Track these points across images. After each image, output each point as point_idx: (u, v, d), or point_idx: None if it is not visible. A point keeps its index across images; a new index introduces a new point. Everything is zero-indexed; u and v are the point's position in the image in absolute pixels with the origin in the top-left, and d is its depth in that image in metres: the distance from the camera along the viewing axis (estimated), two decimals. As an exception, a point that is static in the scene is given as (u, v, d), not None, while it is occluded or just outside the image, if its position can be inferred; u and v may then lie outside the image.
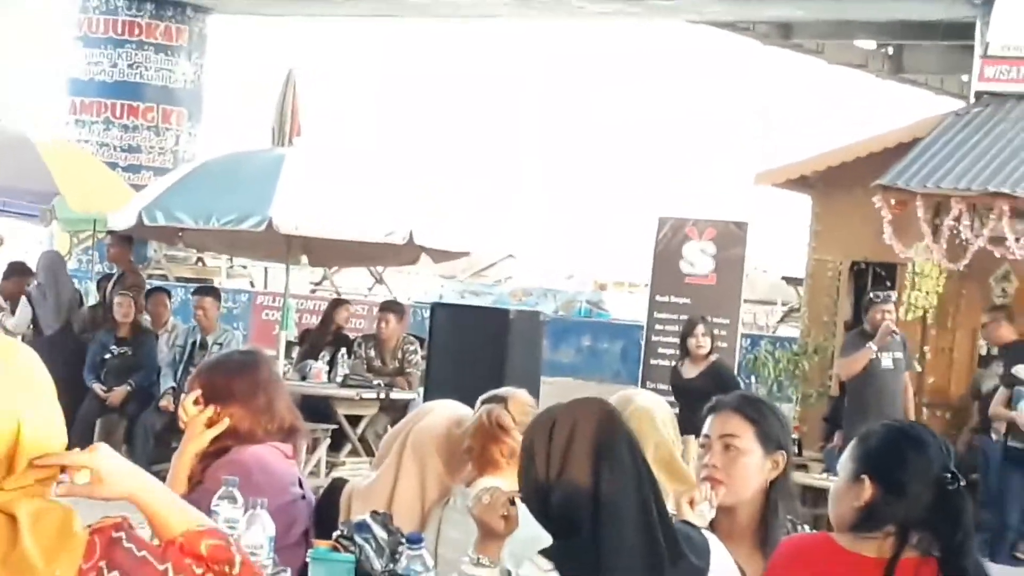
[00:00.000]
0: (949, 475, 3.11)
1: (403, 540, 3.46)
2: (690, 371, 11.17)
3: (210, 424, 4.02)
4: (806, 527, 3.78)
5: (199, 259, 21.85)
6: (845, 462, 3.27)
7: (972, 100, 13.93)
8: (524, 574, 2.93)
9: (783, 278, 20.54)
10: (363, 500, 4.08)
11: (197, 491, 3.92)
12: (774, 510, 3.67)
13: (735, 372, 11.52)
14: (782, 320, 20.52)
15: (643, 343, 14.63)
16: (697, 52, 32.38)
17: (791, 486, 3.78)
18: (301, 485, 4.14)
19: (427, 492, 4.16)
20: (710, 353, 11.16)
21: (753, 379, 14.17)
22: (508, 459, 4.02)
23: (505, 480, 3.89)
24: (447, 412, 4.31)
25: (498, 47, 36.40)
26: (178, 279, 20.46)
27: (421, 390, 11.71)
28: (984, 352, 13.34)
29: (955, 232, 12.08)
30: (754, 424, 3.68)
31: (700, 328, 11.21)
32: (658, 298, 14.55)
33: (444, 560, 3.86)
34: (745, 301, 15.31)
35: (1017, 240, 11.94)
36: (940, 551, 3.09)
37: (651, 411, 4.42)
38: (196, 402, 4.05)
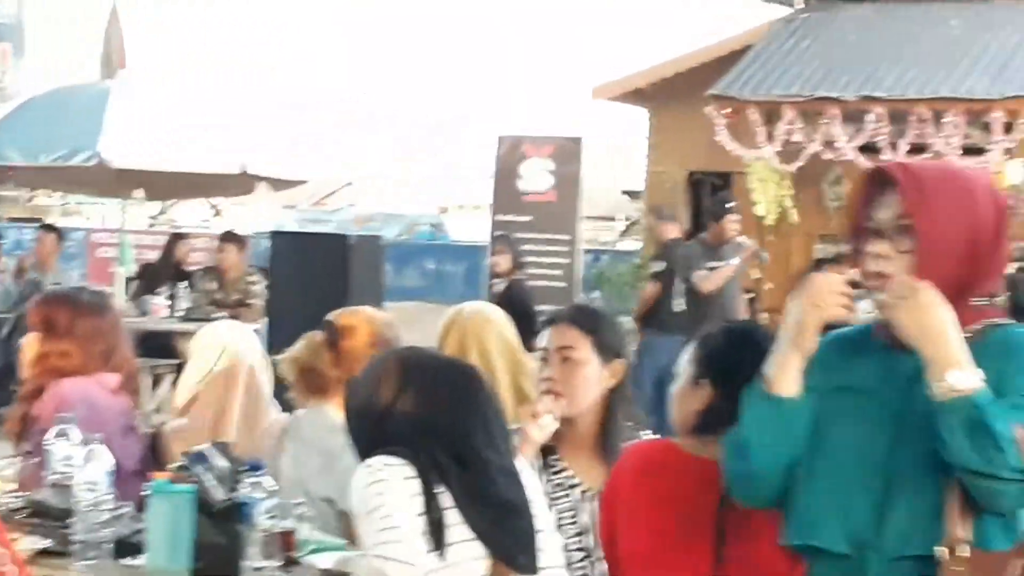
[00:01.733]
0: None
1: (243, 467, 3.42)
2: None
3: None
4: (648, 432, 3.80)
5: (31, 198, 21.36)
6: (685, 365, 3.29)
7: (801, 5, 14.08)
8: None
9: (624, 192, 20.67)
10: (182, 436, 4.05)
11: (34, 431, 3.84)
12: (614, 418, 3.69)
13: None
14: (624, 234, 20.70)
15: (487, 263, 14.64)
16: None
17: (629, 393, 3.80)
18: (133, 420, 4.07)
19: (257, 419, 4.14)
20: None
21: (597, 293, 14.28)
22: (336, 383, 3.99)
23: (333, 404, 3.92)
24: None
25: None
26: (10, 219, 19.98)
27: (265, 320, 11.60)
28: (820, 256, 13.58)
29: (789, 137, 12.26)
30: (591, 334, 3.69)
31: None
32: (499, 218, 14.55)
33: (288, 481, 3.84)
34: (588, 217, 15.40)
35: (849, 142, 12.16)
36: None
37: (483, 311, 4.44)
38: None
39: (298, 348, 4.12)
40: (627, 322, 13.82)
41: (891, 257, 2.65)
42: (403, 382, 2.96)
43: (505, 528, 2.91)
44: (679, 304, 11.07)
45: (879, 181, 2.68)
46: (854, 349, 2.74)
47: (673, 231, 11.06)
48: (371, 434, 2.95)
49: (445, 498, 2.84)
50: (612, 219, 22.76)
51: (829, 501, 2.65)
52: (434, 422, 2.92)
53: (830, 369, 2.70)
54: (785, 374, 2.68)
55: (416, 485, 2.82)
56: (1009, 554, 2.59)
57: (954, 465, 2.55)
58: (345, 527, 3.70)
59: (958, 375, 2.55)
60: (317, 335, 4.08)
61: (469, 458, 2.91)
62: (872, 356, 2.71)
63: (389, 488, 2.80)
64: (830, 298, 2.66)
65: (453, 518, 2.84)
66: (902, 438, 2.64)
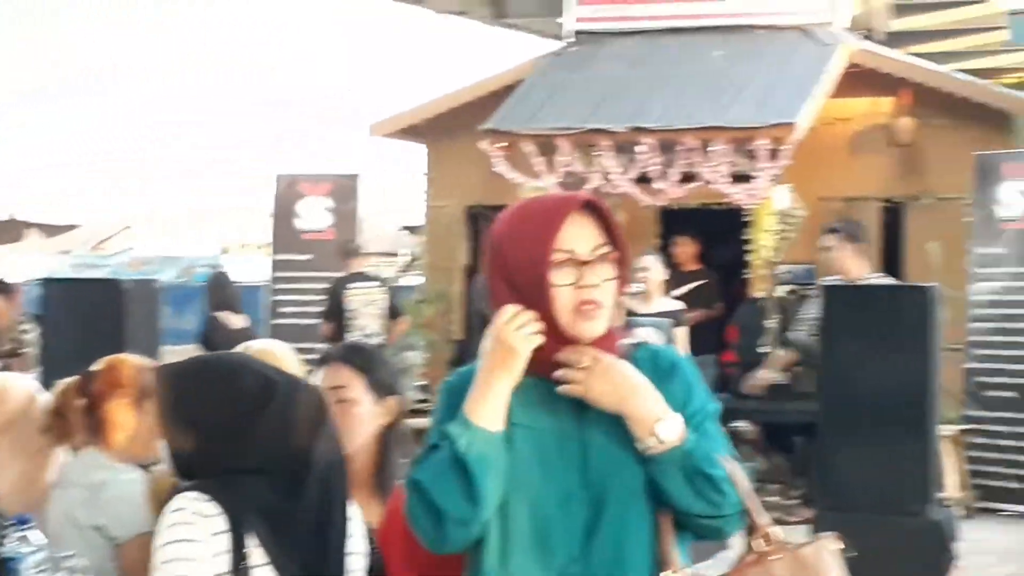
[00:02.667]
0: None
1: (8, 522, 3.35)
2: None
3: None
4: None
5: None
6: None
7: (572, 39, 14.30)
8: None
9: (404, 227, 20.72)
10: None
11: None
12: (389, 456, 3.72)
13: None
14: (405, 270, 20.73)
15: (268, 303, 14.53)
16: (302, 7, 32.21)
17: (405, 430, 3.82)
18: None
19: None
20: None
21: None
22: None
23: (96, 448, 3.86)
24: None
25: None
26: None
27: (39, 369, 11.31)
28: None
29: (569, 169, 12.43)
30: (363, 373, 3.71)
31: None
32: (279, 257, 14.47)
33: (55, 519, 3.75)
34: (370, 253, 15.38)
35: (622, 173, 12.38)
36: None
37: (269, 348, 4.42)
38: None
39: (49, 394, 4.05)
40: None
41: (601, 287, 2.71)
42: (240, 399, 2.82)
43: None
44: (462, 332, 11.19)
45: (565, 213, 2.71)
46: (532, 385, 2.74)
47: None
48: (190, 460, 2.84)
49: (256, 553, 2.71)
50: (394, 255, 22.79)
51: (529, 539, 2.66)
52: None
53: (514, 406, 2.71)
54: (485, 409, 2.66)
55: (224, 541, 2.70)
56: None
57: (680, 511, 2.65)
58: (122, 560, 3.65)
59: (664, 428, 2.66)
60: (68, 381, 4.02)
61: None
62: (551, 392, 2.73)
63: (190, 545, 2.68)
64: (513, 334, 2.67)
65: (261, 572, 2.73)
66: (593, 470, 2.69)
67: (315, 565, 2.79)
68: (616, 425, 2.68)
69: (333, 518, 2.85)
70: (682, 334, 10.41)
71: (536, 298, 2.66)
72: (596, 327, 2.69)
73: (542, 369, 2.69)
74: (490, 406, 2.64)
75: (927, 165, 13.14)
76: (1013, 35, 12.94)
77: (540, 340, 2.67)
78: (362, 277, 12.55)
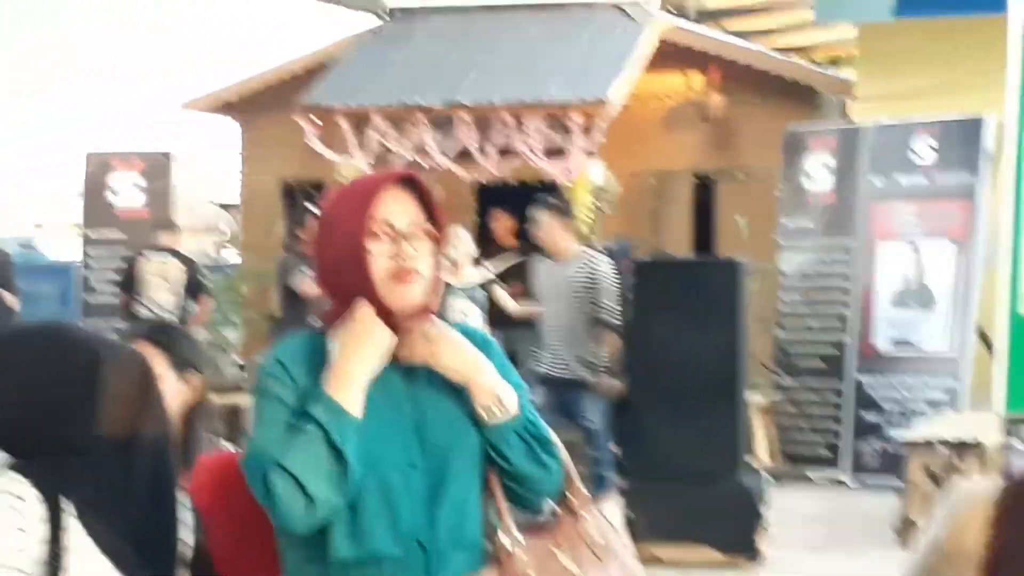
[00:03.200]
0: None
1: None
2: None
3: None
4: (228, 444, 3.84)
5: None
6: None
7: (387, 17, 14.28)
8: None
9: (220, 205, 20.49)
10: None
11: None
12: (194, 433, 3.71)
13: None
14: (222, 247, 20.49)
15: (80, 281, 14.28)
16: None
17: (209, 406, 3.81)
18: None
19: None
20: None
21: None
22: None
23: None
24: None
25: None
26: None
27: None
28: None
29: (382, 144, 12.42)
30: (165, 350, 3.69)
31: None
32: (92, 235, 14.22)
33: None
34: (185, 230, 15.19)
35: (439, 149, 12.40)
36: None
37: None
38: None
39: None
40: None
41: (417, 257, 2.77)
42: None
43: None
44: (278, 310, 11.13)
45: (382, 187, 2.79)
46: None
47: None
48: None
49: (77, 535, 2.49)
50: (213, 232, 22.51)
51: (377, 509, 2.72)
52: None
53: None
54: (351, 397, 2.70)
55: (41, 524, 2.46)
56: (549, 536, 2.79)
57: (516, 476, 2.74)
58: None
59: (506, 397, 2.76)
60: None
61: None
62: (385, 369, 2.79)
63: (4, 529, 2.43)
64: (378, 324, 2.74)
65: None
66: (431, 439, 2.76)
67: (146, 544, 2.69)
68: (446, 396, 2.76)
69: (164, 494, 2.70)
70: (500, 298, 10.67)
71: (353, 268, 2.71)
72: (411, 293, 2.75)
73: None
74: (355, 394, 2.68)
75: (738, 140, 13.41)
76: (817, 13, 13.25)
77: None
78: (162, 251, 12.22)
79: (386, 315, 2.74)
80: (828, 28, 16.34)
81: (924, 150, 11.12)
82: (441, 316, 2.86)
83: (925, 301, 10.99)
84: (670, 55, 13.17)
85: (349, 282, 2.74)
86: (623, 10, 13.36)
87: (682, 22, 13.83)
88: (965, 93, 11.36)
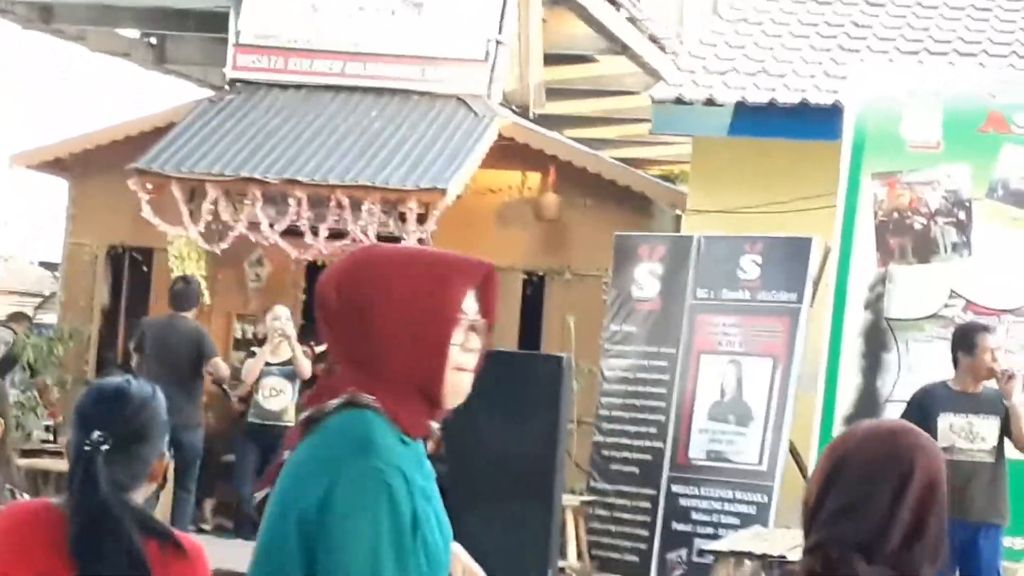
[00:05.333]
0: None
1: None
2: None
3: None
4: (26, 495, 3.73)
5: None
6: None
7: (227, 87, 14.16)
8: None
9: (41, 263, 20.06)
10: None
11: None
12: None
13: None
14: (40, 306, 20.03)
15: None
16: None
17: (8, 454, 3.68)
18: None
19: None
20: None
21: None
22: None
23: None
24: None
25: None
26: None
27: None
28: (239, 336, 13.68)
29: (215, 215, 12.28)
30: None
31: None
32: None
33: None
34: (9, 292, 14.88)
35: (271, 226, 12.29)
36: None
37: None
38: None
39: None
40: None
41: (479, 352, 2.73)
42: None
43: None
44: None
45: (471, 278, 2.72)
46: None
47: None
48: None
49: None
50: (35, 294, 22.01)
51: None
52: None
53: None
54: None
55: None
56: None
57: None
58: None
59: None
60: None
61: None
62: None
63: None
64: None
65: None
66: None
67: None
68: None
69: None
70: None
71: (430, 354, 2.68)
72: (468, 387, 2.76)
73: None
74: None
75: (570, 241, 13.52)
76: (654, 126, 13.48)
77: None
78: None
79: (434, 407, 2.68)
80: (665, 142, 16.67)
81: (750, 266, 11.30)
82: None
83: (741, 415, 11.11)
84: (509, 152, 13.26)
85: (411, 364, 2.63)
86: (466, 103, 13.44)
87: (523, 121, 13.96)
88: (793, 213, 11.60)
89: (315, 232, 12.17)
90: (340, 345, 2.67)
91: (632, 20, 15.79)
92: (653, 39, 16.33)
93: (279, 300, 12.49)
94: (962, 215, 10.29)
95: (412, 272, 2.69)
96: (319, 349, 11.40)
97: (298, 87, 13.84)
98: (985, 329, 8.89)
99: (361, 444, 2.52)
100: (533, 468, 8.38)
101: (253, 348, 12.19)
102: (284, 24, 13.92)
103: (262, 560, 2.55)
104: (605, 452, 11.61)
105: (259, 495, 2.65)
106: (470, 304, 2.69)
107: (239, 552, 3.40)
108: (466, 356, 2.69)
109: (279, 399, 11.44)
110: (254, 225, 12.29)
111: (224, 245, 12.44)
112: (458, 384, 2.69)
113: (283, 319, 11.59)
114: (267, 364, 11.53)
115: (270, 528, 2.55)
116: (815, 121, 11.75)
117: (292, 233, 12.31)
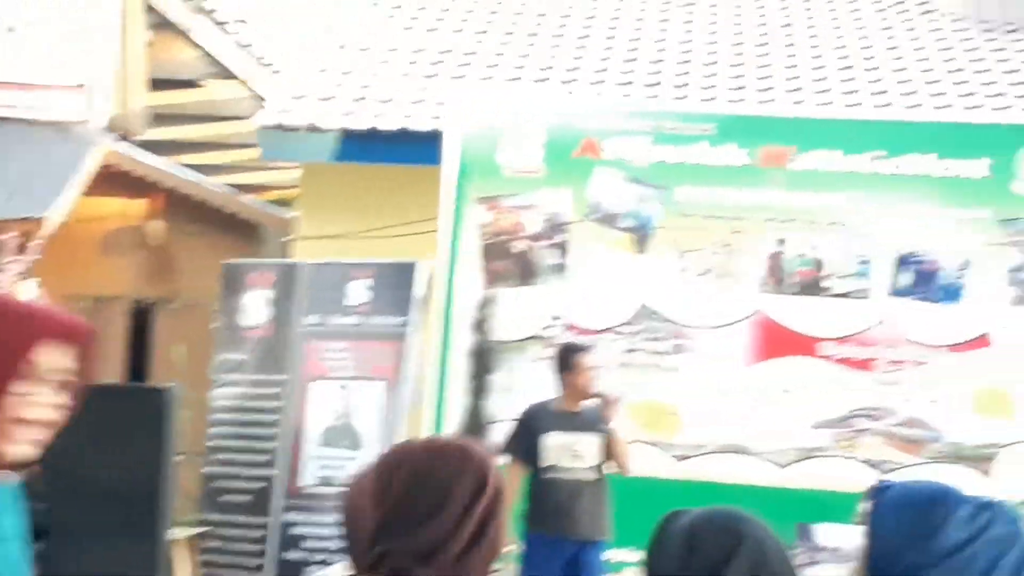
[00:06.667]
0: None
1: None
2: None
3: None
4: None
5: None
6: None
7: None
8: None
9: None
10: None
11: None
12: None
13: None
14: None
15: None
16: None
17: None
18: None
19: None
20: None
21: None
22: None
23: None
24: None
25: None
26: None
27: None
28: None
29: None
30: None
31: None
32: None
33: None
34: None
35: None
36: None
37: None
38: None
39: None
40: None
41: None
42: None
43: None
44: None
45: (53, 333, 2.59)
46: None
47: None
48: None
49: None
50: None
51: None
52: None
53: None
54: None
55: None
56: None
57: None
58: None
59: None
60: None
61: None
62: None
63: None
64: None
65: None
66: None
67: None
68: None
69: None
70: None
71: None
72: None
73: None
74: None
75: (178, 269, 13.31)
76: (263, 152, 13.41)
77: None
78: None
79: None
80: (279, 168, 16.60)
81: (359, 291, 11.37)
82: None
83: (353, 439, 11.16)
84: (113, 178, 12.95)
85: None
86: (66, 129, 13.05)
87: (126, 147, 13.65)
88: (403, 238, 11.76)
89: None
90: None
91: (241, 45, 15.69)
92: (263, 64, 16.27)
93: None
94: (561, 238, 10.63)
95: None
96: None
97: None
98: (583, 349, 9.19)
99: None
100: (139, 502, 8.20)
101: None
102: None
103: None
104: (216, 483, 11.45)
105: None
106: (55, 359, 2.60)
107: None
108: (33, 409, 2.62)
109: None
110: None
111: None
112: (19, 436, 2.61)
113: None
114: None
115: None
116: (418, 147, 11.94)
117: None
